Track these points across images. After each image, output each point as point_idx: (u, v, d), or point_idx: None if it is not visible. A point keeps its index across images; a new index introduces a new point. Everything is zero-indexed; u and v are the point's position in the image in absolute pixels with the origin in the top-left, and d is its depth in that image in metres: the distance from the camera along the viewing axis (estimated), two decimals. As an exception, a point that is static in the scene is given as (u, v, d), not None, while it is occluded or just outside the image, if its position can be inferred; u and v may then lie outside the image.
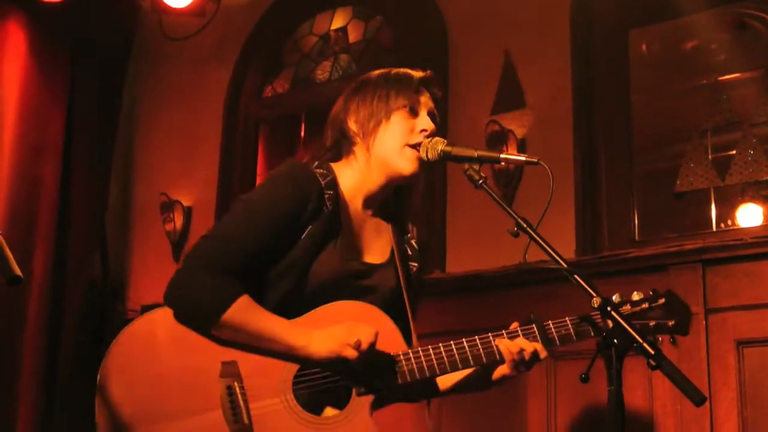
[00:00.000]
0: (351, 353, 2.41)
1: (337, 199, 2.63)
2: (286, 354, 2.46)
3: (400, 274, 2.70)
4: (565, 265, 2.32)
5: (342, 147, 2.72)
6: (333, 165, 2.69)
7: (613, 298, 2.56)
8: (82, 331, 5.41)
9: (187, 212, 5.63)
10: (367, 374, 2.47)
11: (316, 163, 2.67)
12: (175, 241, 5.58)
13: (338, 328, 2.45)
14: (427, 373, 2.50)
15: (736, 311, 3.76)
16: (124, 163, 6.01)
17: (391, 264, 2.72)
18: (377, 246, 2.73)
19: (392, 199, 2.78)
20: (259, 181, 5.69)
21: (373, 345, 2.42)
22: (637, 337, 2.15)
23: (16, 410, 5.03)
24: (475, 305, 4.24)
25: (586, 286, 2.27)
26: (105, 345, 2.49)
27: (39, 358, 5.18)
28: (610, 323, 2.22)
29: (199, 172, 5.70)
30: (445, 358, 2.51)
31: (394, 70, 2.76)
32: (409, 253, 2.81)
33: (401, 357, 2.51)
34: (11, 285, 2.03)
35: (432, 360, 2.50)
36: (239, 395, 2.42)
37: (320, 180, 2.60)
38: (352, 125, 2.69)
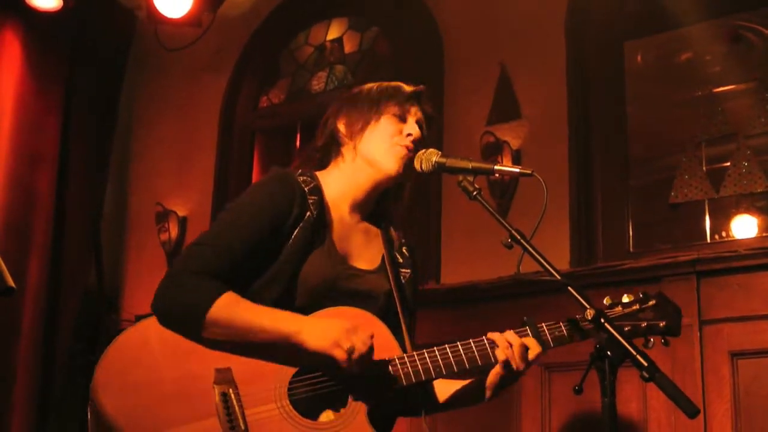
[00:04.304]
0: (341, 355, 2.37)
1: (322, 204, 2.65)
2: (278, 343, 2.43)
3: (392, 280, 2.70)
4: (558, 277, 2.32)
5: (331, 150, 2.76)
6: (318, 173, 2.73)
7: (604, 301, 2.58)
8: (77, 341, 5.40)
9: (182, 222, 5.63)
10: (362, 380, 2.45)
11: (300, 170, 2.70)
12: (170, 251, 5.57)
13: (335, 324, 2.41)
14: (423, 377, 2.49)
15: (730, 323, 3.76)
16: (120, 173, 6.01)
17: (382, 270, 2.73)
18: (367, 253, 2.74)
19: (379, 206, 2.80)
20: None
21: (366, 354, 2.39)
22: (630, 349, 2.15)
23: (10, 420, 5.02)
24: (470, 316, 4.24)
25: (579, 298, 2.28)
26: (99, 355, 2.46)
27: (33, 368, 5.17)
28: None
29: (195, 182, 5.70)
30: (440, 361, 2.50)
31: (387, 83, 2.80)
32: (400, 260, 2.81)
33: (396, 362, 2.50)
34: (5, 296, 2.03)
35: (427, 363, 2.49)
36: (234, 402, 2.40)
37: (303, 186, 2.63)
38: (341, 127, 2.74)
